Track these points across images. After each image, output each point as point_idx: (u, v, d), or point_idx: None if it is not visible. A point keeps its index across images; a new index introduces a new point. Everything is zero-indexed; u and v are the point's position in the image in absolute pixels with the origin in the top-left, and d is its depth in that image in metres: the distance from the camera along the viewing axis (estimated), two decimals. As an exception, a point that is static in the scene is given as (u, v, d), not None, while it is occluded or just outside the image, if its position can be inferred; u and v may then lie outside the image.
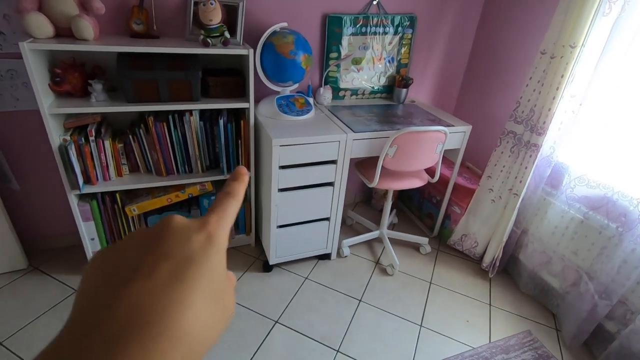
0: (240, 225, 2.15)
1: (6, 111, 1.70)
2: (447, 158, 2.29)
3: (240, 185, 0.29)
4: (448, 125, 2.01)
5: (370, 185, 1.93)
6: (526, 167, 1.89)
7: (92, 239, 1.84)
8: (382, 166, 1.86)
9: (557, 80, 1.70)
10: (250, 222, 2.13)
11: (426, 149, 1.84)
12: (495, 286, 2.10)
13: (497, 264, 2.09)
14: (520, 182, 1.92)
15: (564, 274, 1.85)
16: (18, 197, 1.90)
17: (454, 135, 2.02)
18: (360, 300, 1.92)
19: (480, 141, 2.49)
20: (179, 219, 0.25)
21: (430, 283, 2.08)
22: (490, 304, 1.97)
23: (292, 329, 1.73)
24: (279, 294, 1.91)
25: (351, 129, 1.81)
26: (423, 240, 2.30)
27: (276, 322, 1.76)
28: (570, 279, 1.82)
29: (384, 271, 2.14)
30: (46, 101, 1.50)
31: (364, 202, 2.82)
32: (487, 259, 2.16)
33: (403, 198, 2.78)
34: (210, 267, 0.23)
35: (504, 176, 2.02)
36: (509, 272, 2.20)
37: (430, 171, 2.37)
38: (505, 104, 2.28)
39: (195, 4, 1.70)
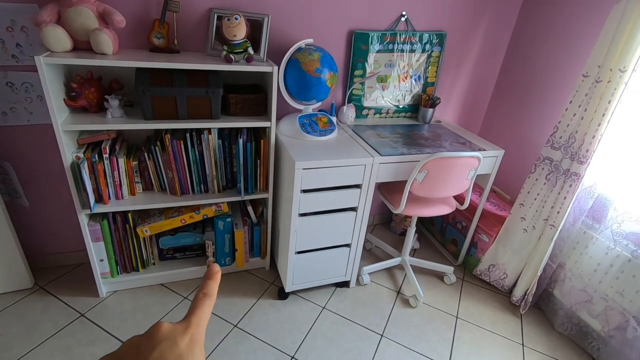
0: (255, 248, 2.04)
1: (19, 125, 1.63)
2: (475, 182, 2.16)
3: (215, 284, 0.35)
4: (479, 149, 1.89)
5: (396, 212, 1.82)
6: (565, 197, 1.75)
7: (101, 260, 1.74)
8: (409, 191, 1.74)
9: (603, 106, 1.58)
10: (265, 245, 2.03)
11: (457, 175, 1.72)
12: (527, 324, 1.94)
13: (530, 299, 1.93)
14: (558, 212, 1.78)
15: (607, 315, 1.69)
16: (26, 213, 1.82)
17: (485, 160, 1.90)
18: (382, 335, 1.78)
19: (509, 165, 2.36)
20: (165, 325, 0.30)
21: (457, 317, 1.93)
22: (523, 344, 1.81)
23: (309, 366, 1.60)
24: (295, 324, 1.79)
25: (378, 152, 1.70)
26: (448, 269, 2.16)
27: (292, 357, 1.63)
28: (614, 322, 1.66)
29: (406, 302, 2.00)
30: (60, 116, 1.42)
31: (382, 224, 2.69)
32: (517, 293, 2.01)
33: (424, 221, 2.65)
34: None
35: (539, 205, 1.88)
36: (541, 308, 2.04)
37: (458, 197, 2.24)
38: (539, 127, 2.15)
39: (219, 18, 1.63)
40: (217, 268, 0.36)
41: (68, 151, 1.47)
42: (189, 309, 0.32)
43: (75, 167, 1.52)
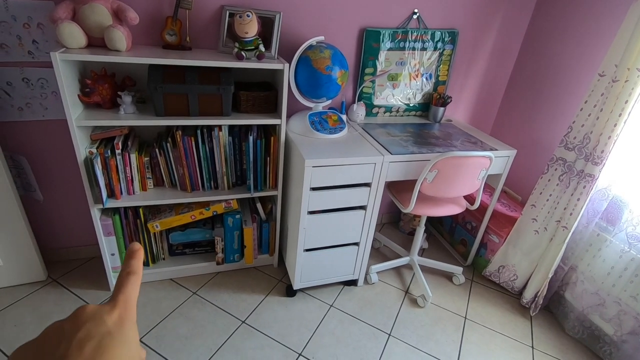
0: (263, 245, 2.05)
1: (35, 120, 1.66)
2: (486, 182, 2.14)
3: (138, 261, 0.33)
4: (491, 149, 1.87)
5: (405, 211, 1.81)
6: (578, 199, 1.72)
7: (113, 255, 1.77)
8: (419, 191, 1.73)
9: (619, 106, 1.54)
10: (274, 242, 2.03)
11: (468, 175, 1.70)
12: (537, 326, 1.92)
13: (540, 301, 1.91)
14: (571, 214, 1.75)
15: (620, 319, 1.66)
16: (41, 207, 1.86)
17: (496, 160, 1.88)
18: (389, 335, 1.78)
19: (520, 165, 2.33)
20: (90, 306, 0.28)
21: (465, 318, 1.92)
22: (532, 347, 1.79)
23: (316, 363, 1.61)
24: (303, 322, 1.79)
25: (388, 151, 1.69)
26: (457, 269, 2.14)
27: (300, 354, 1.64)
28: (627, 326, 1.63)
29: (414, 302, 1.99)
30: (74, 112, 1.45)
31: (391, 223, 2.68)
32: (527, 295, 1.98)
33: (433, 221, 2.63)
34: (126, 338, 0.27)
35: (551, 206, 1.86)
36: (551, 310, 2.01)
37: (468, 197, 2.22)
38: (552, 127, 2.12)
39: (231, 15, 1.63)
40: (137, 246, 0.34)
41: (82, 146, 1.50)
42: (114, 288, 0.31)
43: (89, 162, 1.54)
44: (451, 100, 2.19)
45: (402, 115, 2.23)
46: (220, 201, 1.81)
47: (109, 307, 0.28)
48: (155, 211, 1.82)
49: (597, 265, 1.74)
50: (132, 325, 0.28)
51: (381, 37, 1.95)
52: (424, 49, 2.07)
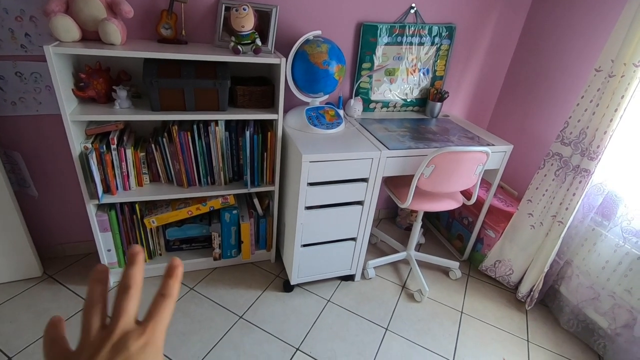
0: (260, 241, 2.05)
1: (28, 115, 1.64)
2: (482, 178, 2.14)
3: (175, 282, 0.31)
4: (488, 145, 1.87)
5: (402, 206, 1.81)
6: (574, 194, 1.73)
7: (109, 250, 1.76)
8: (416, 186, 1.73)
9: (615, 101, 1.55)
10: (271, 238, 2.03)
11: (465, 170, 1.71)
12: (533, 320, 1.94)
13: (536, 295, 1.93)
14: (567, 209, 1.76)
15: (614, 313, 1.68)
16: (35, 203, 1.84)
17: (493, 155, 1.88)
18: (386, 329, 1.78)
19: (517, 160, 2.34)
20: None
21: (462, 312, 1.93)
22: (528, 340, 1.81)
23: (314, 357, 1.61)
24: (300, 317, 1.80)
25: (385, 146, 1.69)
26: (453, 264, 2.15)
27: (297, 349, 1.64)
28: (621, 320, 1.65)
29: (411, 296, 2.00)
30: (69, 107, 1.43)
31: (388, 218, 2.69)
32: (523, 289, 2.00)
33: (430, 216, 2.64)
34: None
35: (546, 201, 1.87)
36: (547, 304, 2.03)
37: (465, 192, 2.23)
38: (549, 122, 2.12)
39: (227, 9, 1.62)
40: (177, 262, 0.31)
41: (76, 141, 1.48)
42: (147, 311, 0.30)
43: (84, 158, 1.53)
44: (448, 96, 2.19)
45: (399, 111, 2.23)
46: (217, 197, 1.80)
47: (137, 333, 0.29)
48: (151, 207, 1.81)
49: (592, 260, 1.76)
50: (157, 352, 0.29)
51: (378, 31, 1.94)
52: (421, 43, 2.06)
